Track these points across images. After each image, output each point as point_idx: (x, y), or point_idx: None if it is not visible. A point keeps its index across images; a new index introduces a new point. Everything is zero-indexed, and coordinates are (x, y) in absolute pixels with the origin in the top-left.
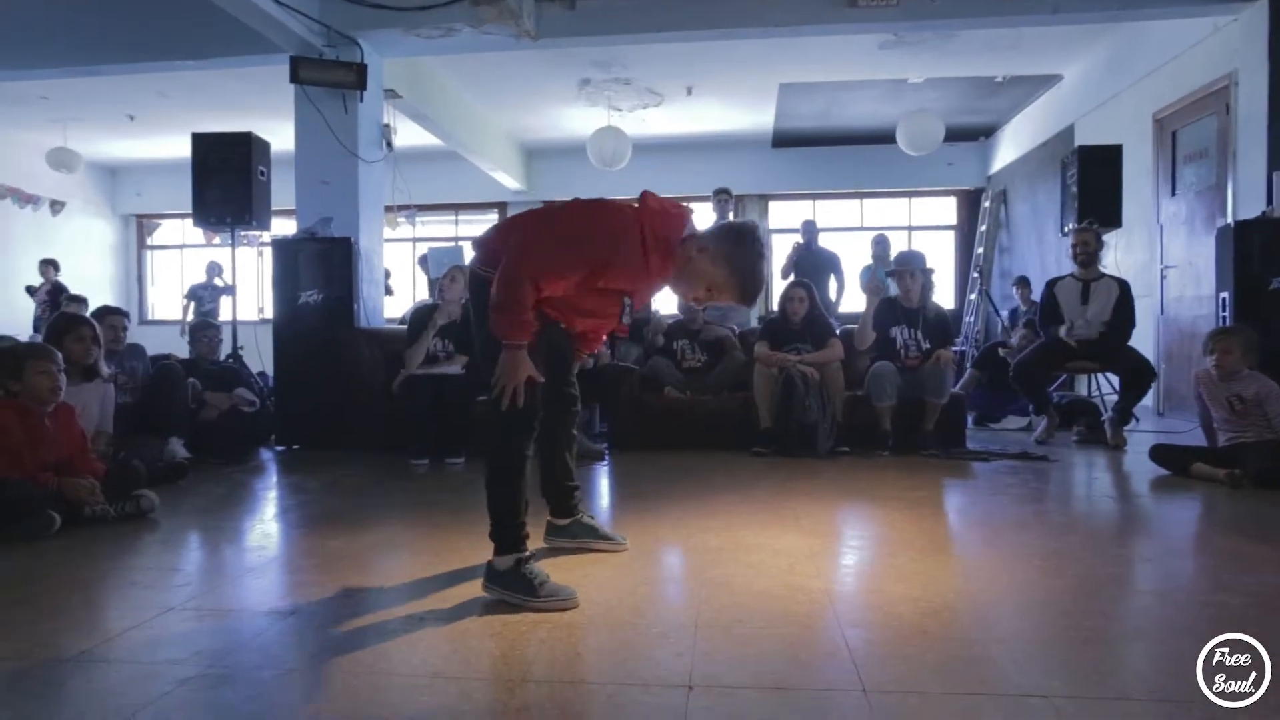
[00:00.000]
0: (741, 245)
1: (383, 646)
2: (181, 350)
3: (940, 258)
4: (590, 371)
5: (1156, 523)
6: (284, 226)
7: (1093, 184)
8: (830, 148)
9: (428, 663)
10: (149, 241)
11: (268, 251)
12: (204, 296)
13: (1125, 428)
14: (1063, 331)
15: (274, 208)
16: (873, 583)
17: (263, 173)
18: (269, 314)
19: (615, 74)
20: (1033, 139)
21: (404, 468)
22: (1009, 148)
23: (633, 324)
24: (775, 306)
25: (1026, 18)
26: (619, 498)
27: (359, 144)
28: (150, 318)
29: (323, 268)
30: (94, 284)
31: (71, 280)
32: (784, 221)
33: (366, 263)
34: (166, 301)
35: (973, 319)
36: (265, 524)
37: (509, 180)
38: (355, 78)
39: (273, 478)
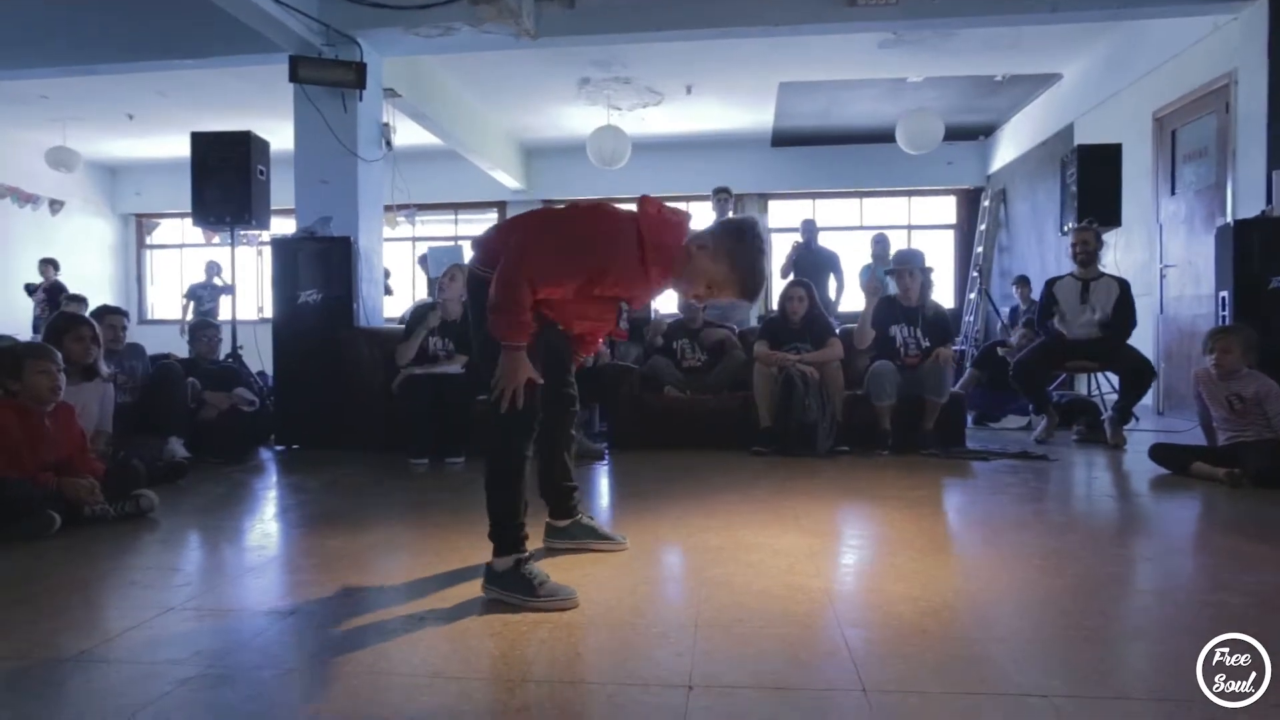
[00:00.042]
0: (742, 241)
1: (383, 646)
2: (181, 350)
3: (940, 257)
4: (590, 371)
5: (1156, 522)
6: (283, 226)
7: (1092, 183)
8: (830, 147)
9: (428, 662)
10: (148, 241)
11: (267, 251)
12: (203, 296)
13: (1125, 427)
14: (1055, 322)
15: (273, 207)
16: (872, 582)
17: (262, 172)
18: (268, 313)
19: (615, 73)
20: (1032, 138)
21: (404, 467)
22: (1008, 147)
23: (631, 324)
24: (775, 306)
25: (1026, 16)
26: (619, 497)
27: (358, 143)
28: (150, 317)
29: (322, 267)
30: (93, 283)
31: (71, 280)
32: (783, 221)
33: (366, 262)
34: (166, 301)
35: (972, 318)
36: (265, 524)
37: (508, 179)
38: (354, 77)
39: (272, 477)
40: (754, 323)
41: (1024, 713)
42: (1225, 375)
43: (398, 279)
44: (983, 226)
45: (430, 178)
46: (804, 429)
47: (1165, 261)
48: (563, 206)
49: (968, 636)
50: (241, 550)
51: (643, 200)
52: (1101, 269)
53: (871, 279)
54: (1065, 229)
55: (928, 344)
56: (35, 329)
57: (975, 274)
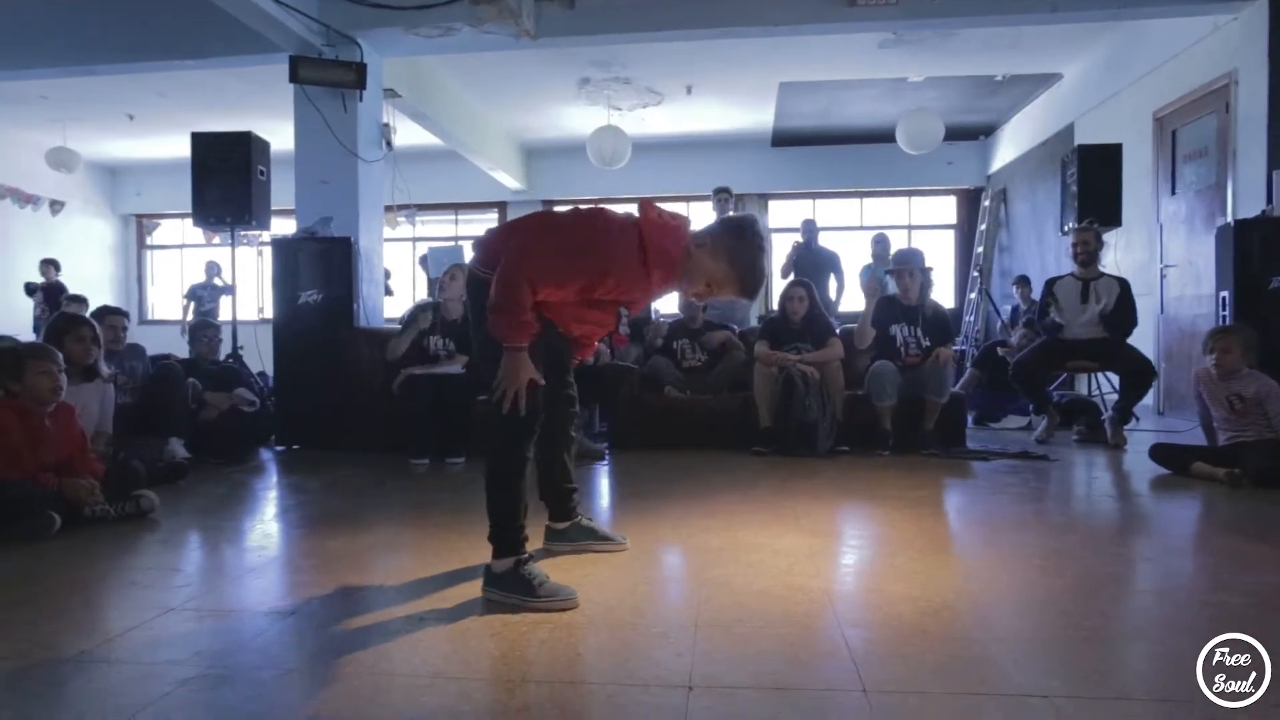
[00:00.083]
0: (741, 239)
1: (383, 647)
2: (181, 350)
3: (940, 257)
4: (590, 371)
5: (1156, 522)
6: (284, 226)
7: (1092, 183)
8: (830, 147)
9: (428, 663)
10: (149, 241)
11: (267, 251)
12: (204, 296)
13: (1125, 427)
14: (1052, 313)
15: (274, 207)
16: (873, 582)
17: (262, 172)
18: (269, 314)
19: (615, 73)
20: (1032, 138)
21: (404, 468)
22: (1009, 147)
23: (632, 324)
24: (775, 306)
25: (1026, 16)
26: (619, 497)
27: (358, 143)
28: (150, 318)
29: (322, 267)
30: (94, 284)
31: (71, 280)
32: (784, 221)
33: (366, 262)
34: (166, 301)
35: (972, 318)
36: (265, 524)
37: (509, 180)
38: (355, 77)
39: (273, 478)
40: (754, 322)
41: (1024, 713)
42: (1225, 375)
43: (398, 279)
44: (983, 226)
45: (430, 178)
46: (804, 429)
47: (1165, 261)
48: (564, 210)
49: (968, 637)
50: (242, 551)
51: (643, 204)
52: (1102, 269)
53: (871, 279)
54: (1065, 229)
55: (928, 343)
56: (35, 329)
57: (975, 274)
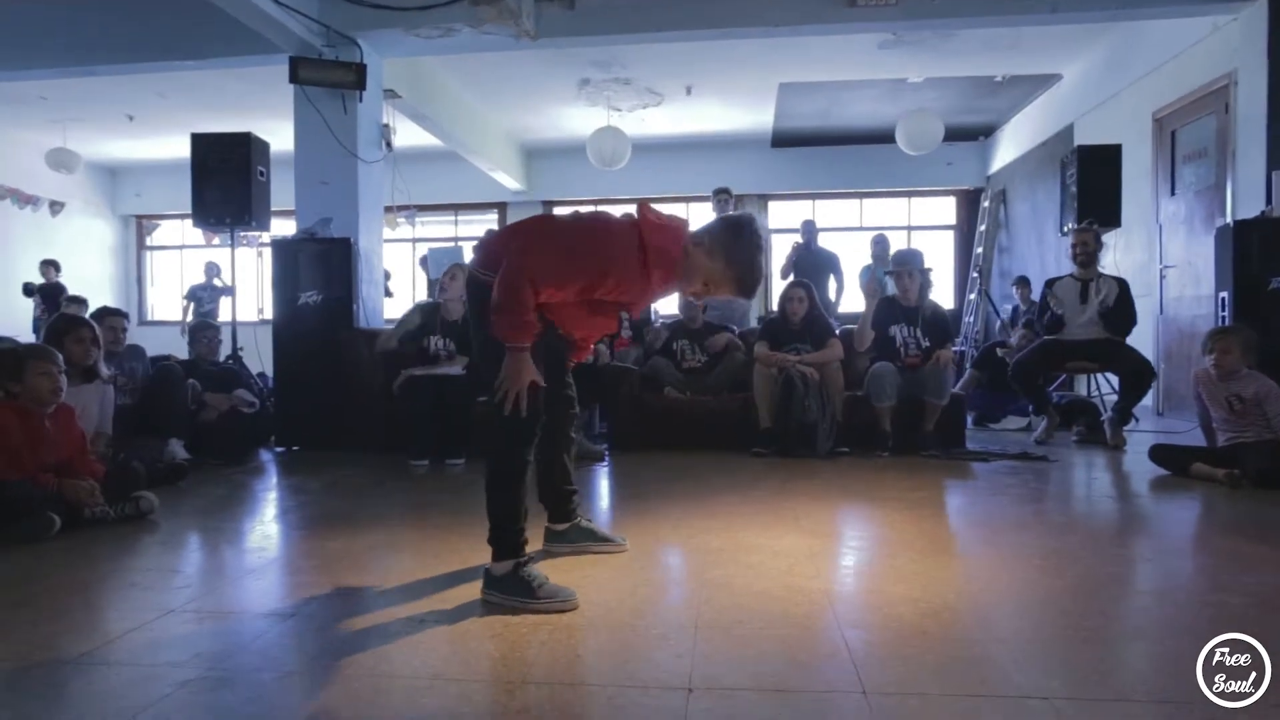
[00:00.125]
0: (739, 238)
1: (383, 649)
2: (181, 351)
3: (940, 257)
4: (590, 371)
5: (1156, 523)
6: (283, 227)
7: (1092, 184)
8: (829, 147)
9: (428, 665)
10: (148, 242)
11: (267, 252)
12: (203, 297)
13: (1125, 428)
14: (1053, 304)
15: (273, 208)
16: (873, 583)
17: (262, 173)
18: (269, 315)
19: (615, 74)
20: (1032, 138)
21: (404, 469)
22: (1008, 147)
23: (633, 325)
24: (775, 307)
25: (1025, 17)
26: (619, 498)
27: (358, 144)
28: (150, 319)
29: (322, 268)
30: (93, 285)
31: (71, 281)
32: (783, 221)
33: (366, 263)
34: (166, 302)
35: (972, 319)
36: (265, 525)
37: (509, 180)
38: (355, 78)
39: (272, 479)
40: (754, 323)
41: (1024, 714)
42: (1225, 376)
43: (398, 280)
44: (982, 227)
45: (430, 179)
46: (804, 430)
47: (1165, 262)
48: (564, 214)
49: (968, 638)
50: (242, 552)
51: (641, 206)
52: (1101, 270)
53: (871, 280)
54: (1065, 230)
55: (927, 344)
56: (35, 330)
57: (975, 274)
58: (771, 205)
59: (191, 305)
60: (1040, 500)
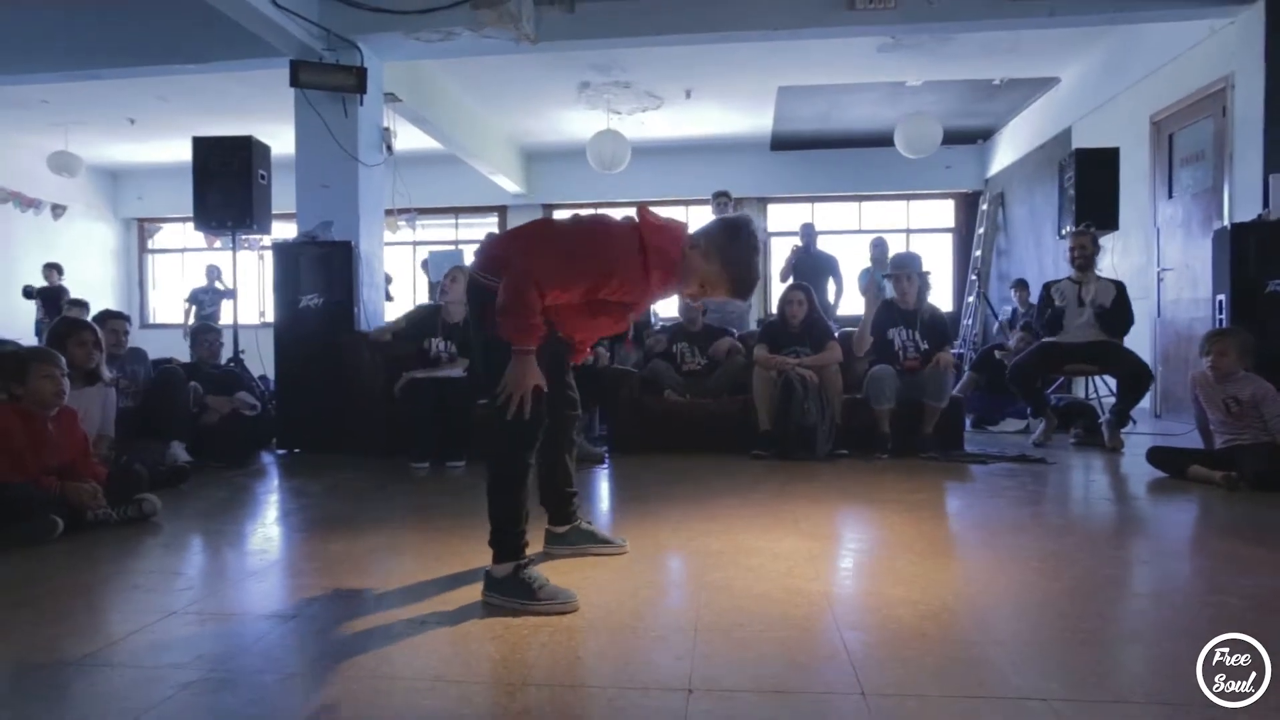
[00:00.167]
0: (736, 240)
1: (384, 650)
2: (183, 354)
3: (938, 260)
4: (590, 374)
5: (1153, 525)
6: (284, 230)
7: (1090, 187)
8: (829, 150)
9: (429, 666)
10: (150, 245)
11: (268, 255)
12: (205, 300)
13: (1122, 430)
14: (1056, 298)
15: (274, 211)
16: (871, 585)
17: (263, 176)
18: (270, 318)
19: (614, 77)
20: (1030, 142)
21: (405, 471)
22: (1006, 150)
23: (634, 327)
24: (774, 309)
25: (1024, 20)
26: (619, 501)
27: (359, 148)
28: (151, 321)
29: (323, 271)
30: (95, 288)
31: (73, 284)
32: (783, 224)
33: (367, 266)
34: (168, 305)
35: (970, 321)
36: (267, 528)
37: (509, 183)
38: (355, 81)
39: (274, 481)
40: (753, 326)
41: (1023, 716)
42: (1222, 378)
43: (399, 284)
44: (981, 230)
45: (431, 182)
46: (803, 432)
47: (1162, 265)
48: (565, 217)
49: (966, 640)
50: (243, 554)
51: (640, 209)
52: (1099, 273)
53: (870, 284)
54: (1063, 233)
55: (926, 347)
56: (37, 333)
57: (973, 277)
58: (771, 208)
59: (193, 308)
60: (1038, 502)
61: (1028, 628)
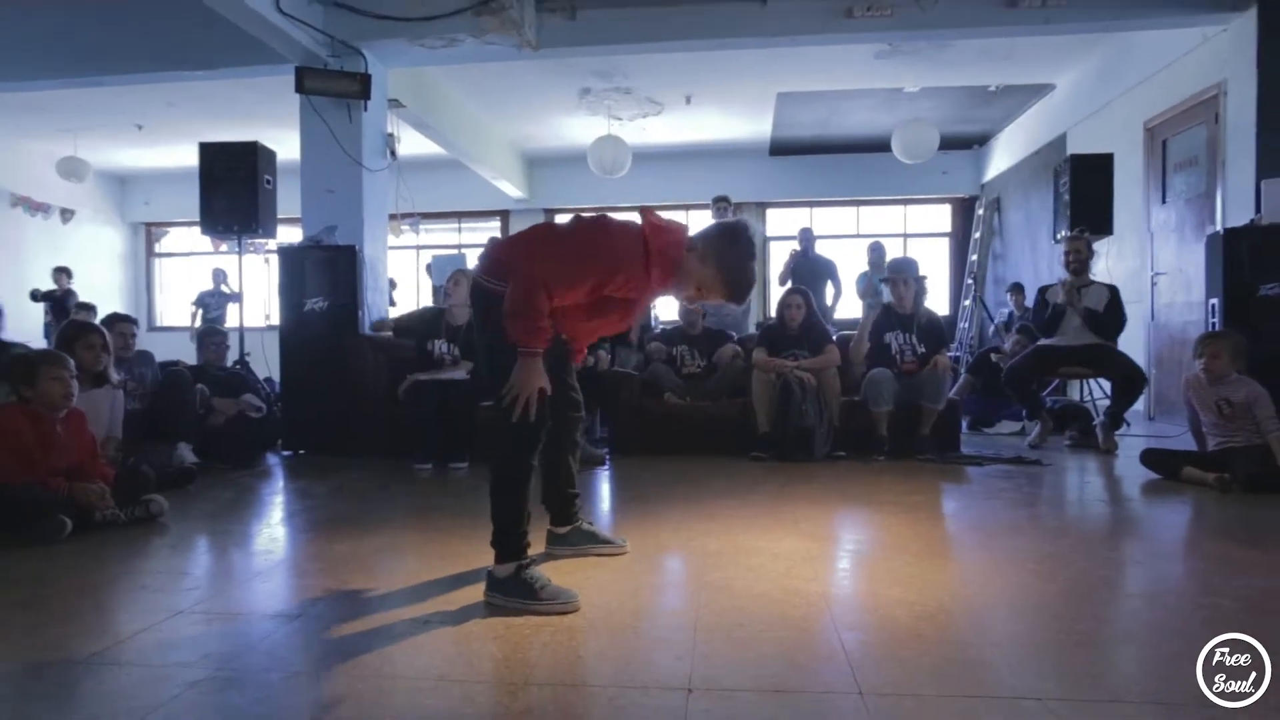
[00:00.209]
0: (734, 244)
1: (388, 650)
2: (189, 357)
3: (935, 264)
4: (591, 376)
5: (1147, 526)
6: (290, 234)
7: (1084, 192)
8: (827, 156)
9: (432, 666)
10: (157, 249)
11: (274, 259)
12: (211, 304)
13: (1117, 432)
14: (1063, 295)
15: (280, 216)
16: (869, 586)
17: (269, 181)
18: (275, 321)
19: (615, 83)
20: (1026, 147)
21: (408, 472)
22: (1002, 156)
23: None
24: (773, 313)
25: (1019, 27)
26: (620, 502)
27: (363, 153)
28: (159, 325)
29: (328, 275)
30: (103, 291)
31: (81, 288)
32: (781, 229)
33: (371, 270)
34: (174, 308)
35: (967, 325)
36: (272, 528)
37: (511, 188)
38: (360, 88)
39: (279, 482)
40: (753, 329)
41: (1018, 715)
42: (1214, 380)
43: (403, 290)
44: (977, 234)
45: (434, 187)
46: (802, 434)
47: (1156, 269)
48: (568, 220)
49: (963, 640)
50: (249, 554)
51: (643, 211)
52: (1092, 278)
53: (868, 287)
54: (1058, 237)
55: (923, 350)
56: (46, 336)
57: (970, 281)
58: (770, 213)
59: (199, 311)
60: (1034, 504)
61: (1023, 628)
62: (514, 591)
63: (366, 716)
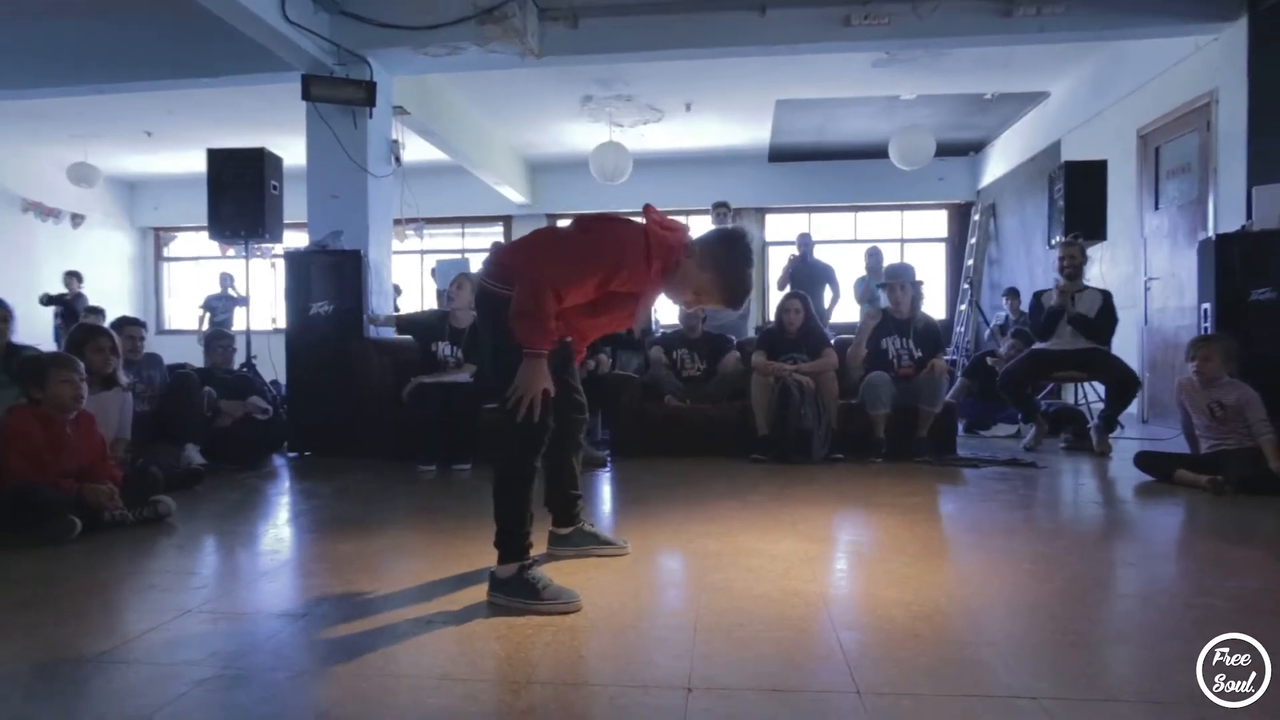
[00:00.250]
0: (732, 250)
1: (392, 649)
2: (197, 359)
3: (931, 270)
4: (592, 379)
5: (1141, 528)
6: (296, 239)
7: (1079, 198)
8: (825, 162)
9: (435, 665)
10: (166, 253)
11: (280, 263)
12: (218, 307)
13: (1111, 435)
14: (1056, 298)
15: (286, 221)
16: (867, 587)
17: (275, 187)
18: (281, 324)
19: (617, 91)
20: (1021, 154)
21: (412, 474)
22: (998, 163)
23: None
24: (772, 317)
25: (1014, 36)
26: (621, 503)
27: (368, 159)
28: (167, 328)
29: (334, 279)
30: (113, 295)
31: (91, 292)
32: (780, 234)
33: (376, 274)
34: (182, 312)
35: (963, 329)
36: (278, 529)
37: (513, 194)
38: (365, 95)
39: (285, 484)
40: (752, 333)
41: (1014, 715)
42: (1207, 383)
43: (407, 296)
44: (973, 240)
45: (438, 192)
46: (800, 437)
47: (1149, 274)
48: (570, 221)
49: (959, 640)
50: (255, 555)
51: (648, 208)
52: (1086, 283)
53: (866, 291)
54: (1053, 243)
55: (919, 354)
56: (56, 340)
57: (966, 286)
58: (769, 218)
59: (207, 315)
60: (1029, 506)
61: (1019, 628)
62: (517, 592)
63: (371, 715)
